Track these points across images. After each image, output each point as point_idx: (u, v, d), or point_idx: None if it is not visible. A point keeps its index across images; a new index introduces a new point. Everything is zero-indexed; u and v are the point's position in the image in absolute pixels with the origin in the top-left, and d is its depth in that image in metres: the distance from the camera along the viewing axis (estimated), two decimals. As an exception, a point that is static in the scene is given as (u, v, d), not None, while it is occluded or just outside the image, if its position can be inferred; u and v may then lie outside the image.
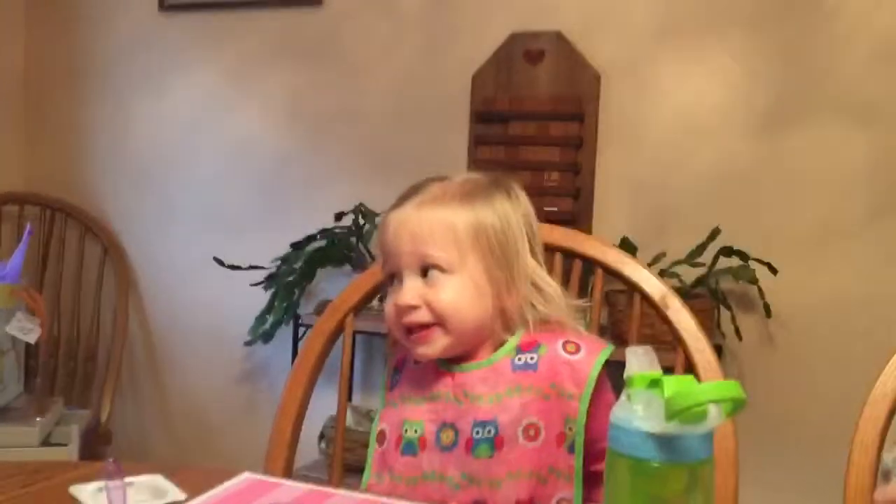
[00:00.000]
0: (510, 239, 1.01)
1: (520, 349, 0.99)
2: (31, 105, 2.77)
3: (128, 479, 0.68)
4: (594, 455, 0.99)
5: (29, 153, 2.78)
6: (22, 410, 1.90)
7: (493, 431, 0.94)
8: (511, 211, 1.02)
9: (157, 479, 0.69)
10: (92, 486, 0.67)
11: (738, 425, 1.05)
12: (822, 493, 1.92)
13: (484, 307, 0.99)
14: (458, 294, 0.97)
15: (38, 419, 1.85)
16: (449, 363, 1.00)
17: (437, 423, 0.98)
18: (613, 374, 1.12)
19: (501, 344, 1.00)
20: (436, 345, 0.98)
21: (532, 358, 0.98)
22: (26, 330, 1.88)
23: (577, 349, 0.98)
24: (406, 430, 0.99)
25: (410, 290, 0.98)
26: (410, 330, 0.99)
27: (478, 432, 0.95)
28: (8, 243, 2.52)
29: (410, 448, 0.98)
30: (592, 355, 0.98)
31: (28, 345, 2.03)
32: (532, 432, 0.94)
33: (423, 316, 0.97)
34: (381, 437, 1.02)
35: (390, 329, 1.02)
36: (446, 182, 1.03)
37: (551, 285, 1.04)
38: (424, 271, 0.98)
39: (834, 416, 1.93)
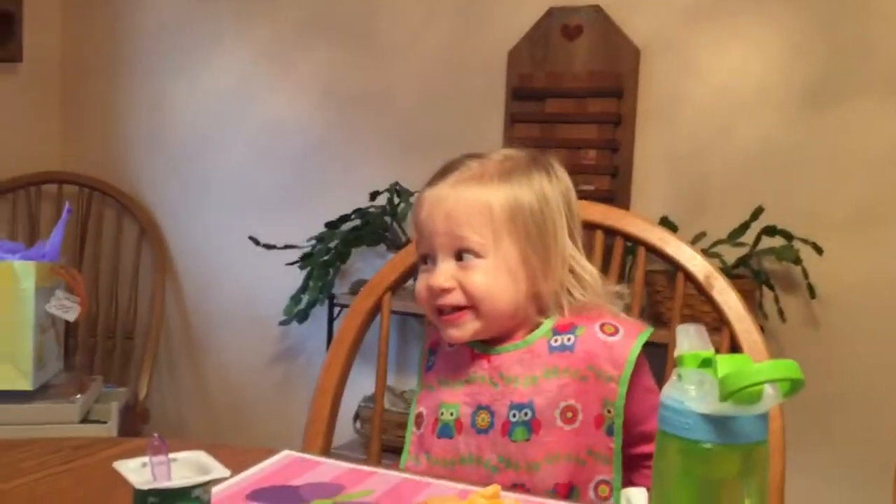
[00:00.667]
0: (548, 221, 0.98)
1: (556, 331, 0.97)
2: (68, 86, 2.79)
3: (171, 456, 0.67)
4: (632, 439, 0.98)
5: (66, 134, 2.80)
6: (62, 388, 1.92)
7: (529, 414, 0.93)
8: (550, 191, 0.99)
9: (201, 456, 0.69)
10: (135, 462, 0.67)
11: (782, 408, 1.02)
12: (869, 477, 1.89)
13: (517, 292, 0.97)
14: (491, 278, 0.96)
15: (77, 396, 1.87)
16: (484, 345, 0.99)
17: (473, 405, 0.97)
18: (650, 356, 1.10)
19: (536, 327, 0.99)
20: (466, 328, 0.97)
21: (569, 339, 0.96)
22: (66, 308, 1.89)
23: (616, 331, 0.96)
24: (442, 413, 0.98)
25: (444, 272, 0.96)
26: (442, 311, 0.98)
27: (514, 415, 0.94)
28: (47, 222, 2.55)
29: (447, 431, 0.97)
30: (631, 337, 0.96)
31: (67, 323, 2.05)
32: (570, 415, 0.93)
33: (456, 298, 0.96)
34: (419, 419, 1.02)
35: (426, 311, 1.01)
36: (484, 159, 1.01)
37: (589, 271, 1.01)
38: (458, 254, 0.96)
39: (880, 400, 1.89)
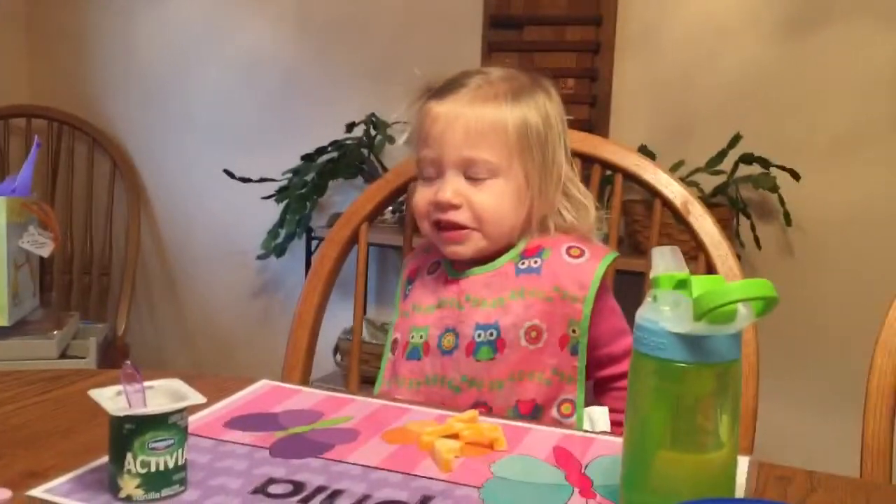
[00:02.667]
0: (550, 141, 0.99)
1: (523, 254, 0.98)
2: (34, 16, 2.71)
3: (146, 384, 0.67)
4: (600, 361, 0.99)
5: (33, 67, 2.72)
6: (39, 324, 1.91)
7: (494, 334, 0.94)
8: (552, 112, 1.00)
9: (176, 383, 0.68)
10: (111, 390, 0.66)
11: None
12: (841, 404, 1.93)
13: (519, 214, 0.98)
14: (501, 198, 0.96)
15: (55, 332, 1.86)
16: (458, 271, 0.99)
17: (441, 328, 0.98)
18: (628, 285, 1.11)
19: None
20: (470, 245, 0.97)
21: (535, 262, 0.97)
22: (39, 244, 1.87)
23: (581, 253, 0.97)
24: (412, 337, 0.99)
25: (453, 187, 0.96)
26: (442, 227, 0.97)
27: (479, 335, 0.95)
28: (16, 158, 2.50)
29: (415, 353, 0.99)
30: (596, 259, 0.97)
31: (42, 259, 2.03)
32: (534, 334, 0.94)
33: (461, 217, 0.96)
34: (394, 345, 1.03)
35: (418, 222, 1.00)
36: (490, 77, 0.99)
37: (583, 192, 1.02)
38: (469, 172, 0.96)
39: (853, 326, 1.92)
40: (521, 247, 0.99)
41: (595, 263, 0.96)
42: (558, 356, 0.94)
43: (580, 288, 0.94)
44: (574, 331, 0.94)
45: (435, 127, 0.97)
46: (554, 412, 0.95)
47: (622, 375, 0.96)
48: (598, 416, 0.95)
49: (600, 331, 0.97)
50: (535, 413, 0.94)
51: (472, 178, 0.96)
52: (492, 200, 0.95)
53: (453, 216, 0.96)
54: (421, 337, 0.99)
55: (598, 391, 1.03)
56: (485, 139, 0.95)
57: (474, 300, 0.96)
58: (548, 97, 1.00)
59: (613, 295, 1.03)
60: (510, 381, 0.94)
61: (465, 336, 0.95)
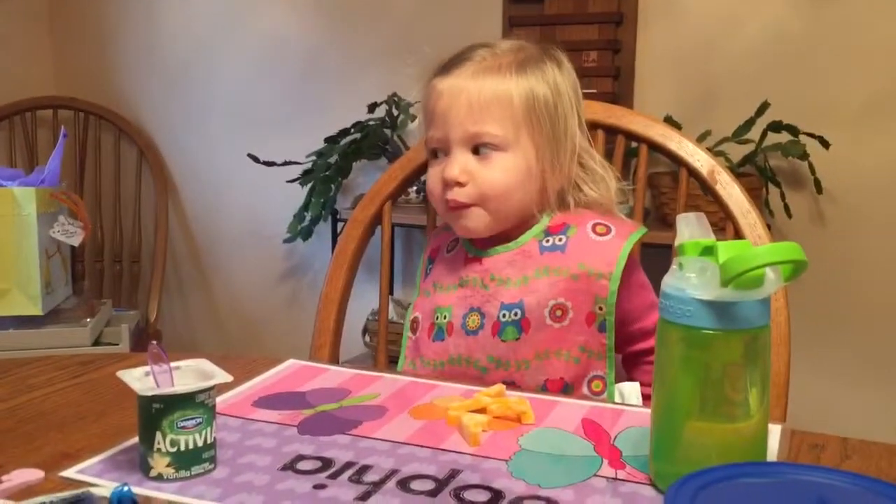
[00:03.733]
0: (560, 113, 0.97)
1: (548, 232, 0.97)
2: (57, 8, 2.73)
3: (174, 364, 0.68)
4: (631, 336, 0.98)
5: (57, 57, 2.75)
6: (72, 312, 1.94)
7: (519, 314, 0.93)
8: (562, 82, 0.98)
9: (203, 363, 0.69)
10: (139, 371, 0.67)
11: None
12: (874, 373, 1.91)
13: (530, 189, 0.96)
14: (508, 173, 0.94)
15: (88, 320, 1.88)
16: (477, 248, 0.99)
17: (465, 308, 0.97)
18: (655, 258, 1.09)
19: (534, 224, 0.98)
20: (479, 220, 0.96)
21: (560, 240, 0.95)
22: (69, 233, 1.89)
23: (608, 231, 0.95)
24: (437, 318, 0.98)
25: (459, 163, 0.95)
26: (451, 205, 0.96)
27: (504, 315, 0.94)
28: (44, 149, 2.53)
29: (440, 334, 0.98)
30: (622, 237, 0.95)
31: (73, 248, 2.06)
32: (559, 313, 0.93)
33: (466, 194, 0.95)
34: (415, 324, 1.02)
35: (432, 202, 1.00)
36: (495, 49, 0.98)
37: (600, 162, 1.00)
38: (476, 147, 0.95)
39: (887, 294, 1.89)
40: (544, 223, 0.97)
41: (622, 241, 0.94)
42: (585, 333, 0.93)
43: (606, 265, 0.93)
44: (601, 308, 0.93)
45: (439, 104, 0.95)
46: (584, 389, 0.94)
47: (653, 350, 0.95)
48: (629, 392, 0.94)
49: (632, 306, 0.96)
50: (565, 391, 0.93)
51: (479, 154, 0.95)
52: (498, 176, 0.94)
53: (457, 194, 0.95)
54: (445, 317, 0.98)
55: (628, 366, 1.02)
56: (489, 113, 0.93)
57: (499, 279, 0.95)
58: (557, 67, 0.98)
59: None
60: (537, 361, 0.93)
61: (491, 316, 0.95)
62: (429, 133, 0.98)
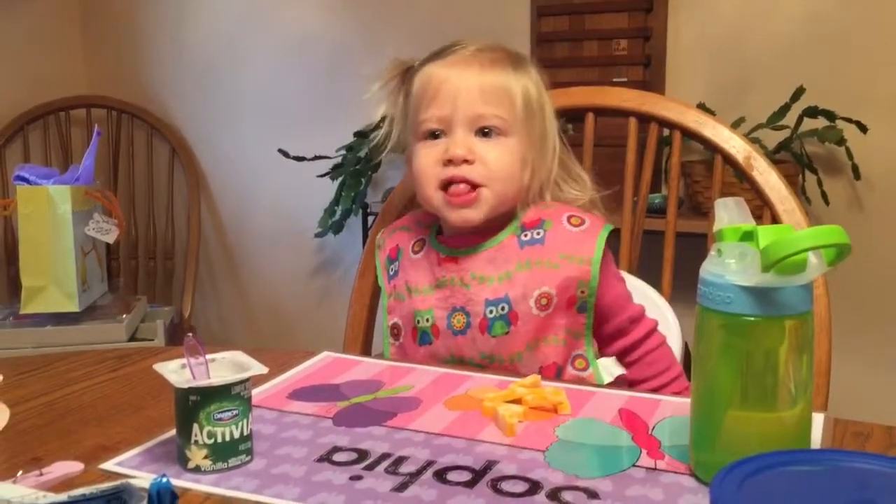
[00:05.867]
0: (547, 113, 1.01)
1: (524, 227, 0.98)
2: (88, 8, 2.75)
3: (209, 356, 0.68)
4: (609, 335, 0.97)
5: (89, 57, 2.78)
6: (108, 308, 1.96)
7: (506, 308, 0.94)
8: (542, 84, 1.02)
9: (238, 355, 0.69)
10: (175, 363, 0.67)
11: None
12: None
13: (526, 177, 0.98)
14: (511, 157, 0.96)
15: (123, 316, 1.90)
16: (452, 248, 0.98)
17: (447, 308, 0.97)
18: (689, 248, 1.07)
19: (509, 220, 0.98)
20: (481, 208, 0.95)
21: (538, 234, 0.97)
22: (104, 230, 1.91)
23: (582, 221, 0.97)
24: (419, 322, 0.98)
25: (464, 143, 0.94)
26: (450, 189, 0.95)
27: (491, 311, 0.95)
28: (78, 147, 2.56)
29: (425, 338, 0.98)
30: (598, 226, 0.97)
31: (108, 246, 2.08)
32: (544, 301, 0.94)
33: (475, 172, 0.94)
34: (395, 330, 1.01)
35: (421, 187, 0.98)
36: (480, 46, 1.00)
37: (580, 169, 1.04)
38: (481, 130, 0.95)
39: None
40: (518, 220, 0.98)
41: (597, 229, 0.96)
42: (567, 316, 0.94)
43: (587, 251, 0.94)
44: (582, 291, 0.94)
45: (445, 85, 0.95)
46: (570, 369, 0.95)
47: (634, 345, 0.97)
48: (608, 364, 0.96)
49: (609, 299, 0.96)
50: (558, 374, 0.94)
51: (482, 135, 0.95)
52: (504, 157, 0.95)
53: (467, 171, 0.94)
54: (427, 321, 0.97)
55: (622, 355, 1.02)
56: (497, 98, 0.95)
57: (480, 277, 0.96)
58: (535, 69, 1.02)
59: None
60: (528, 351, 0.94)
61: (477, 314, 0.95)
62: (426, 113, 0.96)
